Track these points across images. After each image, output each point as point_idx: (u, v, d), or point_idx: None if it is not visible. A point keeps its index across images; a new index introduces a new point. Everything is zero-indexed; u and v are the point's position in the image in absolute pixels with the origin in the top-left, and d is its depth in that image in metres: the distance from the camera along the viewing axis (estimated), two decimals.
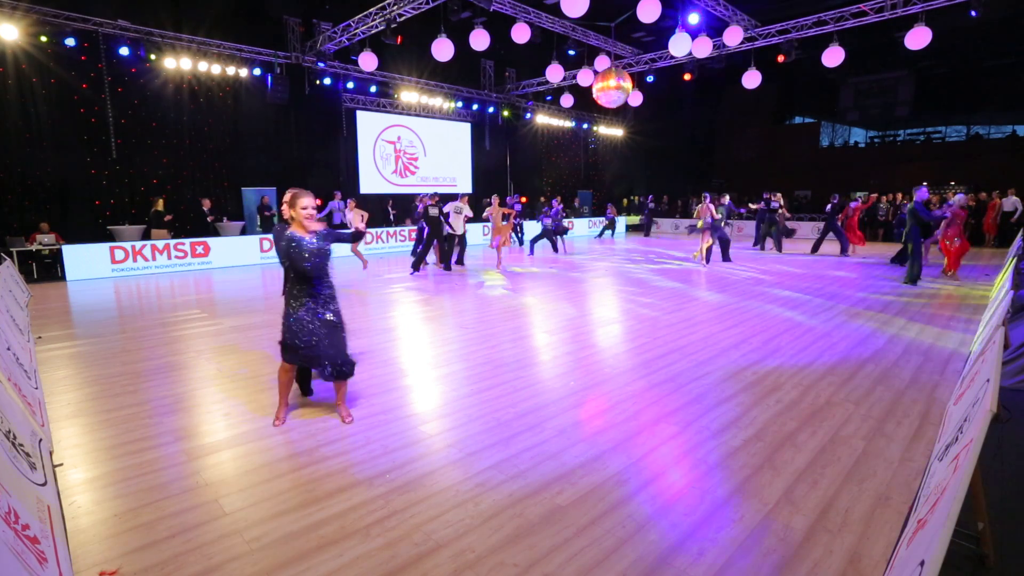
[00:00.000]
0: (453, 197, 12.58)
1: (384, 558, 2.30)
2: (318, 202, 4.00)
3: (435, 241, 11.19)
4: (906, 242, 9.35)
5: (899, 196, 17.51)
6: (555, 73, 14.49)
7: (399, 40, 12.78)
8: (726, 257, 12.67)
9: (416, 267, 11.06)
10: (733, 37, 12.58)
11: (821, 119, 25.15)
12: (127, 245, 11.56)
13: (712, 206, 11.93)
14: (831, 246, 14.75)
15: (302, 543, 2.40)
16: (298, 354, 3.49)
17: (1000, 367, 2.15)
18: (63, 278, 10.82)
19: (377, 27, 12.92)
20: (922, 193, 9.21)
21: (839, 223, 13.63)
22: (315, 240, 3.40)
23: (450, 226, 11.26)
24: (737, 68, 14.58)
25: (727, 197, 14.31)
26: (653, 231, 22.44)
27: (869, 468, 3.01)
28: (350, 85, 16.36)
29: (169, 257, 12.11)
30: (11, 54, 11.06)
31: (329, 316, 3.51)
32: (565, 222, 17.42)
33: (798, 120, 26.11)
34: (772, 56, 14.40)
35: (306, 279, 3.43)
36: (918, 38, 11.07)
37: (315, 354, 3.48)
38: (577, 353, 5.29)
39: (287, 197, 3.45)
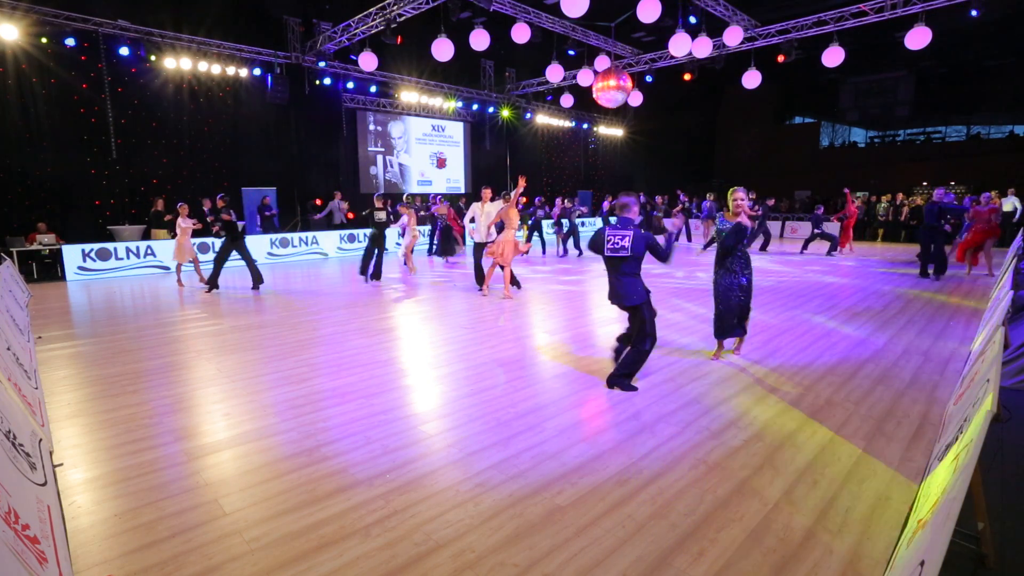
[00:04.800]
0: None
1: (384, 558, 2.30)
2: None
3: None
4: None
5: (899, 196, 17.50)
6: (555, 73, 14.47)
7: (399, 40, 12.77)
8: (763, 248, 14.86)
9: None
10: (733, 37, 12.58)
11: (821, 119, 25.13)
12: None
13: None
14: (819, 246, 14.62)
15: (302, 543, 2.40)
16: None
17: (1000, 367, 2.15)
18: (63, 277, 10.82)
19: (377, 27, 12.91)
20: (938, 194, 9.53)
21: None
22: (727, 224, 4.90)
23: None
24: (737, 68, 14.57)
25: (772, 200, 15.80)
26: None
27: (869, 468, 3.01)
28: (350, 85, 16.35)
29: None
30: (11, 54, 11.06)
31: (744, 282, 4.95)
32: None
33: (798, 120, 26.09)
34: (772, 56, 14.40)
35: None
36: (918, 38, 11.07)
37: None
38: (577, 353, 5.29)
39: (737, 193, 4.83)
